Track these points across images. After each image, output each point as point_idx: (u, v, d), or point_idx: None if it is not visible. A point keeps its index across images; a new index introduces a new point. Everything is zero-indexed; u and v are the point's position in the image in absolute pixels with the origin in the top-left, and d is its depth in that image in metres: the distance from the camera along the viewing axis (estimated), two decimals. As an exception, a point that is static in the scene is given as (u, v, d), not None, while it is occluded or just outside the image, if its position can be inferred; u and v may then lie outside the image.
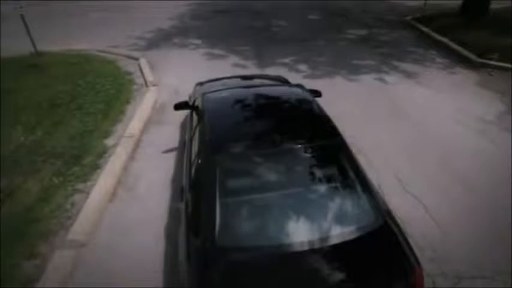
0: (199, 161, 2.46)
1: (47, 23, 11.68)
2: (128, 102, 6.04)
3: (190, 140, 2.98)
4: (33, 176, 4.02)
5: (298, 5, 14.67)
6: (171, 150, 4.61)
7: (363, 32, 10.72)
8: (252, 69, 7.46)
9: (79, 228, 3.23)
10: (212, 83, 4.38)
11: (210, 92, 3.44)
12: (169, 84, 6.76)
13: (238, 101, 3.12)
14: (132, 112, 5.62)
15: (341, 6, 14.70)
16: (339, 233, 2.04)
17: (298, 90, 3.40)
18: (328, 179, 2.38)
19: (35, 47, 8.22)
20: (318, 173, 2.40)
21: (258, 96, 3.29)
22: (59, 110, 5.71)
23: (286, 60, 7.96)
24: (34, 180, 3.96)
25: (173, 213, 3.48)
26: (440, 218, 3.40)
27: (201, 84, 4.47)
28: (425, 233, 3.18)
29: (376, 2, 15.76)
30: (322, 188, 2.32)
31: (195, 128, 2.96)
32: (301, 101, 3.19)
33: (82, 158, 4.43)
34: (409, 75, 7.07)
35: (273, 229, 2.08)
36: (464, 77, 7.03)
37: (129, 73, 7.38)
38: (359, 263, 1.98)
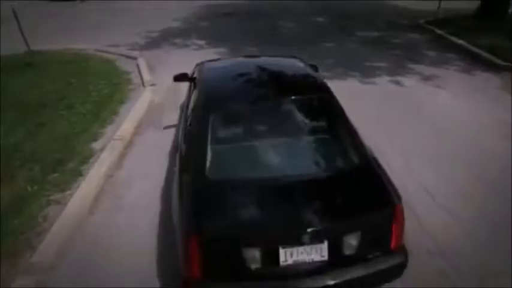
0: (194, 113, 2.68)
1: (49, 24, 11.40)
2: (122, 102, 5.56)
3: (187, 105, 3.11)
4: (5, 184, 3.52)
5: (305, 8, 14.28)
6: (166, 154, 4.09)
7: (374, 34, 10.23)
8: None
9: (48, 247, 2.71)
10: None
11: (207, 62, 3.78)
12: (168, 84, 6.26)
13: (234, 67, 3.42)
14: (126, 113, 5.13)
15: (348, 10, 14.28)
16: (323, 168, 2.29)
17: (293, 60, 3.53)
18: (317, 125, 2.59)
19: (27, 45, 7.83)
20: (307, 120, 2.60)
21: (254, 64, 3.38)
22: (45, 110, 5.25)
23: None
24: (6, 188, 3.45)
25: (167, 225, 2.95)
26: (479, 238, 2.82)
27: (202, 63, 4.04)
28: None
29: (384, 6, 15.33)
30: (312, 132, 2.56)
31: (192, 92, 3.16)
32: (294, 66, 3.34)
33: (64, 163, 3.93)
34: (427, 78, 6.52)
35: (261, 165, 2.26)
36: (486, 81, 6.46)
37: (126, 72, 6.94)
38: (343, 194, 2.12)
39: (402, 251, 2.12)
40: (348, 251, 1.98)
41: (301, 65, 3.35)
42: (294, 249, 1.89)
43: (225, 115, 2.54)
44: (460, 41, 8.61)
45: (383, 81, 6.40)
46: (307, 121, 2.59)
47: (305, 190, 2.13)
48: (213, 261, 1.89)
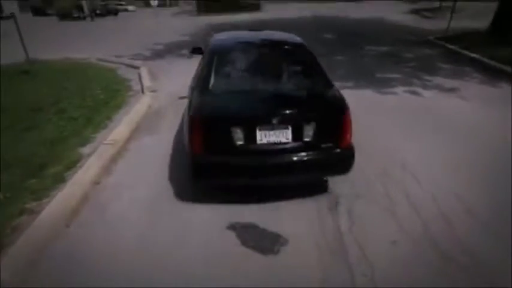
0: (204, 58, 3.53)
1: (55, 38, 11.30)
2: (118, 107, 5.16)
3: (200, 69, 3.44)
4: (-23, 189, 3.04)
5: (310, 27, 14.23)
6: (161, 160, 3.62)
7: (384, 48, 9.96)
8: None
9: (10, 266, 2.18)
10: None
11: (217, 34, 4.31)
12: (169, 90, 5.92)
13: (239, 37, 4.06)
14: (122, 118, 4.70)
15: (355, 28, 14.19)
16: (296, 87, 3.13)
17: (289, 34, 4.12)
18: (293, 64, 3.39)
19: (27, 54, 7.59)
20: (287, 59, 3.43)
21: (257, 35, 4.07)
22: (36, 114, 4.86)
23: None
24: (-24, 194, 2.97)
25: (157, 242, 2.43)
26: None
27: None
28: None
29: (390, 25, 15.25)
30: (289, 67, 3.34)
31: (204, 57, 3.61)
32: (287, 38, 3.95)
33: (46, 168, 3.45)
34: (447, 89, 6.08)
35: (250, 84, 3.09)
36: (508, 91, 6.02)
37: (126, 80, 6.61)
38: (307, 100, 2.95)
39: (350, 150, 2.81)
40: (306, 138, 2.69)
41: (294, 37, 3.98)
42: (267, 132, 2.62)
43: (225, 55, 3.40)
44: (474, 55, 8.28)
45: (400, 91, 5.96)
46: (287, 60, 3.42)
47: (279, 96, 2.95)
48: (210, 139, 2.62)
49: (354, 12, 22.15)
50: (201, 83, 3.06)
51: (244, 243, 2.46)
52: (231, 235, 2.55)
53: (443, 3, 24.59)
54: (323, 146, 2.72)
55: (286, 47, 3.63)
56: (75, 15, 30.33)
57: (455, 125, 4.53)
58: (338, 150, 2.75)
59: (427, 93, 5.85)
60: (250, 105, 2.80)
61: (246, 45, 3.63)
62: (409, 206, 2.86)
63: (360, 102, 5.49)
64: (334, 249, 2.40)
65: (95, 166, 3.41)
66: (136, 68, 7.47)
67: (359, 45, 10.45)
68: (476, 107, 5.18)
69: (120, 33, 12.83)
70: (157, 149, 3.92)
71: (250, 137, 2.59)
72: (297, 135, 2.65)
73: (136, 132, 4.39)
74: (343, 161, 2.81)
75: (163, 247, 2.44)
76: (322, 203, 2.92)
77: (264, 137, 2.61)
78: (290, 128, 2.62)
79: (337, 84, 3.23)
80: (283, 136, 2.63)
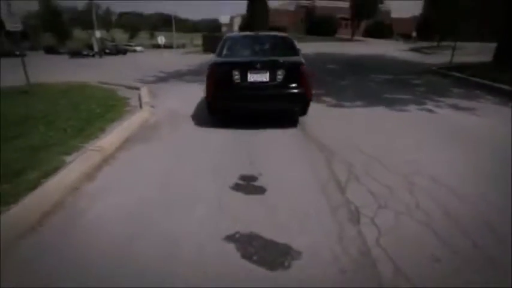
0: (218, 45, 5.14)
1: (61, 70, 11.37)
2: (113, 120, 4.81)
3: (216, 49, 5.05)
4: None
5: (314, 60, 14.42)
6: (150, 170, 3.17)
7: (389, 76, 9.87)
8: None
9: None
10: None
11: (229, 32, 7.17)
12: (169, 106, 5.63)
13: (244, 34, 6.43)
14: (114, 129, 4.33)
15: (356, 61, 14.35)
16: (277, 57, 4.51)
17: (285, 37, 5.45)
18: (279, 48, 5.06)
19: (27, 78, 7.44)
20: (275, 45, 5.22)
21: (258, 35, 5.82)
22: (24, 125, 4.51)
23: (317, 92, 6.90)
24: None
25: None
26: None
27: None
28: None
29: (392, 60, 15.45)
30: (276, 50, 5.05)
31: (219, 44, 5.12)
32: (277, 33, 6.11)
33: (23, 174, 3.01)
34: (461, 108, 5.76)
35: (248, 56, 4.91)
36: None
37: (125, 98, 6.36)
38: (281, 60, 4.41)
39: (304, 91, 4.35)
40: (278, 80, 4.31)
41: (284, 35, 5.60)
42: (254, 74, 4.29)
43: (232, 40, 5.27)
44: (484, 81, 8.09)
45: (413, 109, 5.64)
46: (273, 43, 5.27)
47: (263, 57, 4.73)
48: (221, 79, 4.34)
49: (352, 49, 22.78)
50: (216, 53, 4.84)
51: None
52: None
53: (441, 43, 25.47)
54: (287, 85, 4.34)
55: (274, 36, 5.62)
56: (85, 52, 31.51)
57: (479, 137, 4.12)
58: (296, 90, 4.34)
59: (442, 111, 5.51)
60: (245, 60, 4.68)
61: (247, 36, 5.79)
62: (446, 217, 2.36)
63: (372, 117, 5.17)
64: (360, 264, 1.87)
65: (75, 172, 2.96)
66: (137, 89, 7.27)
67: (363, 74, 10.39)
68: (495, 123, 4.80)
69: (125, 65, 13.02)
70: (148, 158, 3.50)
71: (244, 77, 4.32)
72: (272, 77, 4.33)
73: (128, 142, 3.99)
74: (300, 98, 4.40)
75: (138, 256, 1.93)
76: (342, 215, 2.42)
77: (252, 77, 4.33)
78: (268, 72, 4.32)
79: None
80: (263, 77, 4.33)
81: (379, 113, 5.43)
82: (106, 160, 3.39)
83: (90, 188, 2.82)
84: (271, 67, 4.28)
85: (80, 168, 3.02)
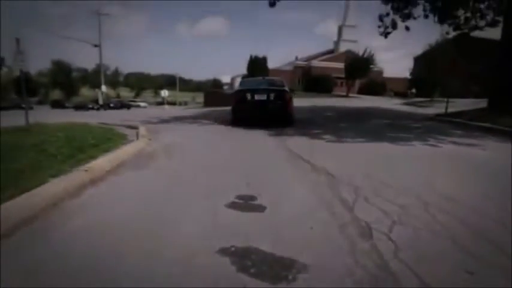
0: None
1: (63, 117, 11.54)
2: (107, 151, 4.63)
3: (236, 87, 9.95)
4: None
5: (311, 110, 14.78)
6: (137, 194, 2.91)
7: (386, 121, 9.96)
8: (271, 138, 6.26)
9: None
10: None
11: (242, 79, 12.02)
12: (167, 140, 5.51)
13: (253, 79, 11.61)
14: (107, 156, 4.14)
15: (353, 111, 14.69)
16: (273, 91, 8.20)
17: (278, 78, 9.99)
18: (275, 100, 8.08)
19: (27, 119, 7.42)
20: (273, 88, 8.45)
21: (262, 80, 9.66)
22: (13, 152, 4.32)
23: (314, 131, 6.88)
24: None
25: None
26: None
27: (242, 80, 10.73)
28: None
29: (387, 111, 15.83)
30: (273, 91, 8.25)
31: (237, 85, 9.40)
32: (276, 81, 9.43)
33: (1, 192, 2.74)
34: (464, 144, 5.64)
35: (256, 89, 8.32)
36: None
37: (123, 134, 6.26)
38: (275, 90, 8.23)
39: (289, 107, 8.19)
40: (271, 98, 8.01)
41: (281, 81, 9.26)
42: (258, 95, 8.06)
43: (247, 80, 10.43)
44: (484, 124, 8.12)
45: (417, 144, 5.52)
46: (271, 84, 8.87)
47: (263, 88, 8.34)
48: (239, 98, 8.32)
49: (348, 103, 23.52)
50: (237, 86, 8.91)
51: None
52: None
53: (434, 98, 26.48)
54: (276, 101, 7.90)
55: (271, 78, 9.73)
56: (90, 106, 32.56)
57: (489, 163, 3.93)
58: (280, 104, 7.94)
59: (446, 146, 5.38)
60: (253, 87, 8.26)
61: (256, 80, 9.73)
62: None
63: (376, 148, 5.02)
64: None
65: (58, 189, 2.70)
66: (137, 128, 7.24)
67: (361, 119, 10.52)
68: (500, 156, 4.63)
69: (128, 115, 13.27)
70: (139, 181, 3.27)
71: (253, 96, 7.93)
72: (268, 97, 7.85)
73: (120, 167, 3.78)
74: (283, 108, 7.95)
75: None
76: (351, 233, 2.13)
77: (257, 96, 7.92)
78: (266, 94, 7.90)
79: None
80: (264, 97, 7.87)
81: (382, 146, 5.29)
82: (93, 181, 3.13)
83: (70, 205, 2.54)
84: (267, 92, 8.05)
85: (62, 186, 2.76)
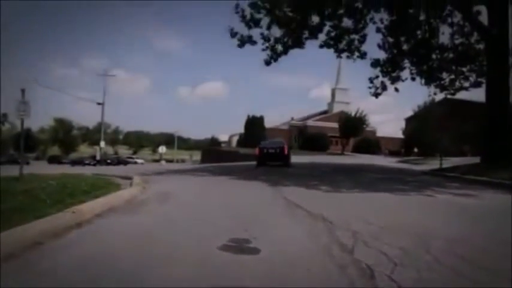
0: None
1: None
2: (97, 197, 4.51)
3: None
4: None
5: (309, 166, 14.96)
6: (123, 237, 2.76)
7: (381, 175, 9.96)
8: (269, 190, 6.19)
9: None
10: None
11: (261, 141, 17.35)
12: (160, 189, 5.42)
13: (267, 142, 17.19)
14: (96, 201, 4.02)
15: (348, 167, 14.82)
16: (278, 149, 14.47)
17: (281, 140, 17.44)
18: (280, 152, 14.35)
19: (21, 170, 7.36)
20: (277, 149, 14.50)
21: (271, 141, 17.63)
22: (4, 195, 4.20)
23: (312, 183, 6.85)
24: None
25: None
26: None
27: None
28: None
29: (382, 167, 15.94)
30: (277, 148, 14.55)
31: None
32: (279, 141, 16.43)
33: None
34: (461, 194, 5.58)
35: (268, 150, 14.67)
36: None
37: (117, 184, 6.17)
38: (279, 148, 14.50)
39: (287, 156, 14.34)
40: (277, 151, 14.39)
41: (282, 141, 16.62)
42: (269, 149, 14.58)
43: (263, 142, 16.60)
44: (482, 178, 8.09)
45: (413, 194, 5.46)
46: (278, 146, 14.72)
47: (272, 146, 14.87)
48: (260, 152, 14.67)
49: (343, 160, 23.78)
50: (259, 145, 15.09)
51: None
52: None
53: (428, 157, 26.91)
54: (279, 153, 14.12)
55: (277, 141, 16.36)
56: (86, 161, 32.56)
57: (488, 210, 3.84)
58: (282, 154, 14.07)
59: (442, 196, 5.32)
60: (267, 146, 14.85)
61: (267, 142, 17.15)
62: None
63: (372, 197, 4.94)
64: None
65: (41, 228, 2.57)
66: (131, 178, 7.16)
67: (356, 173, 10.54)
68: (498, 207, 4.56)
69: (124, 170, 13.31)
70: (127, 225, 3.15)
71: (267, 151, 14.36)
72: (275, 150, 14.25)
73: (110, 211, 3.65)
74: (284, 155, 14.04)
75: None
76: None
77: (270, 151, 14.33)
78: (274, 149, 14.28)
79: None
80: (274, 151, 14.23)
81: (378, 195, 5.23)
82: (79, 224, 2.99)
83: (52, 244, 2.39)
84: (274, 147, 14.24)
85: (46, 227, 2.63)
